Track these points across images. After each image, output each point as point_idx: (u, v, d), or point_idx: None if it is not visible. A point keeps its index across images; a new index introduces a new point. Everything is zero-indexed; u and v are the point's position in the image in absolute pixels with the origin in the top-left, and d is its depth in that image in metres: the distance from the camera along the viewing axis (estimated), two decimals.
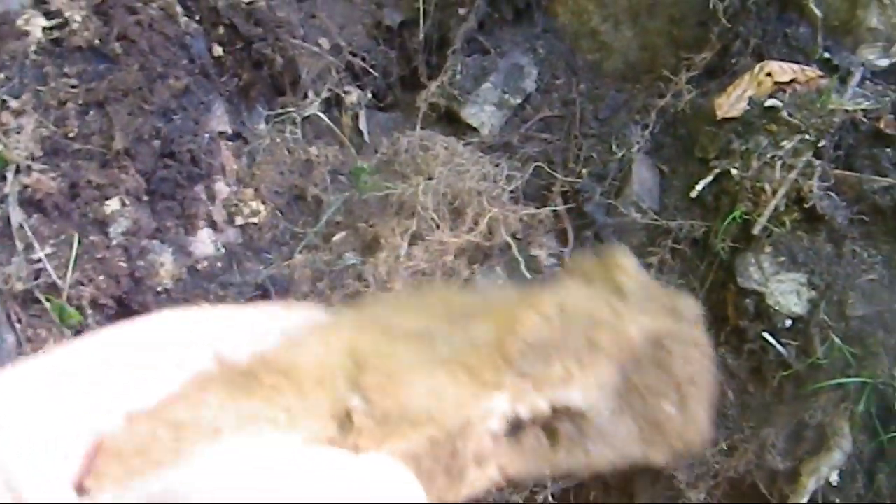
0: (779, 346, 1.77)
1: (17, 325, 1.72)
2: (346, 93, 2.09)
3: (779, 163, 1.77)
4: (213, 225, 1.88)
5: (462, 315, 0.47)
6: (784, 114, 1.80)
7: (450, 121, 2.09)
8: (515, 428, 0.43)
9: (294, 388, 0.41)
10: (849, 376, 1.71)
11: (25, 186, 1.73)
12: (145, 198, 1.82)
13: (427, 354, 0.45)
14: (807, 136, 1.78)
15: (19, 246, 1.72)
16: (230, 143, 1.97)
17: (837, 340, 1.72)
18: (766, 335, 1.77)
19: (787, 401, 1.79)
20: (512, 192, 1.89)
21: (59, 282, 1.72)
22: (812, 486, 1.72)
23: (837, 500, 1.76)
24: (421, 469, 0.40)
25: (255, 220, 1.90)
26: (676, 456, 0.44)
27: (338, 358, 0.43)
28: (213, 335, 0.43)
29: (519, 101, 2.08)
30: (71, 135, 1.77)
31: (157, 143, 1.82)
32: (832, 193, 1.75)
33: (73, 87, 1.78)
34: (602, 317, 0.46)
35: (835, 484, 1.75)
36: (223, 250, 1.87)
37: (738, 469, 1.79)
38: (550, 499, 1.97)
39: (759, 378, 1.82)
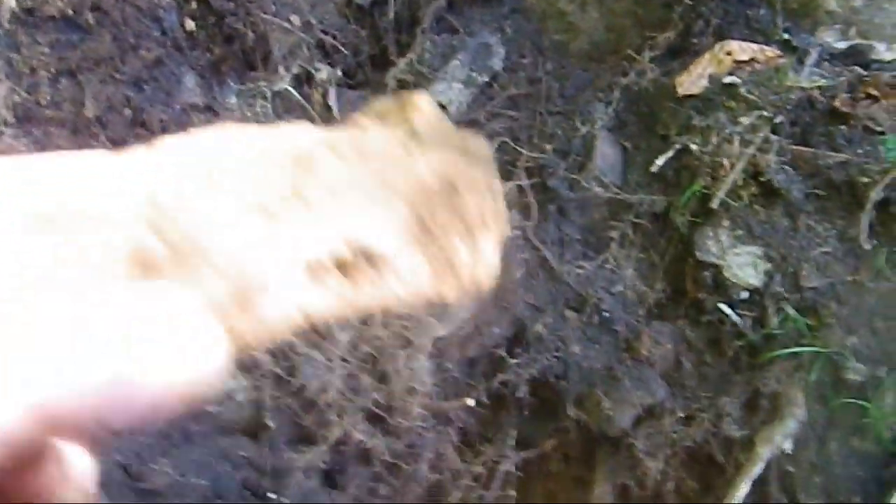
0: (735, 318, 1.81)
1: None
2: (316, 70, 2.12)
3: (737, 138, 1.81)
4: None
5: (267, 156, 0.47)
6: (743, 91, 1.84)
7: None
8: (314, 271, 0.43)
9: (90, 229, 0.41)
10: (803, 346, 1.75)
11: None
12: None
13: (233, 198, 0.45)
14: (764, 113, 1.82)
15: None
16: (201, 115, 2.00)
17: (792, 311, 1.76)
18: (722, 307, 1.81)
19: (742, 371, 1.83)
20: None
21: None
22: (767, 455, 1.76)
23: (791, 468, 1.80)
24: (212, 302, 0.41)
25: None
26: (466, 294, 0.45)
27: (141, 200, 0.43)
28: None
29: (486, 79, 2.11)
30: (43, 102, 1.79)
31: (128, 112, 1.84)
32: (788, 168, 1.80)
33: (45, 55, 1.80)
34: (396, 156, 0.47)
35: (789, 452, 1.79)
36: None
37: (695, 438, 1.82)
38: (513, 469, 2.00)
39: (717, 349, 1.86)
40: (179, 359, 0.36)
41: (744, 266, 1.81)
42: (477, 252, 0.45)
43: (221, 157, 0.46)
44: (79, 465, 0.45)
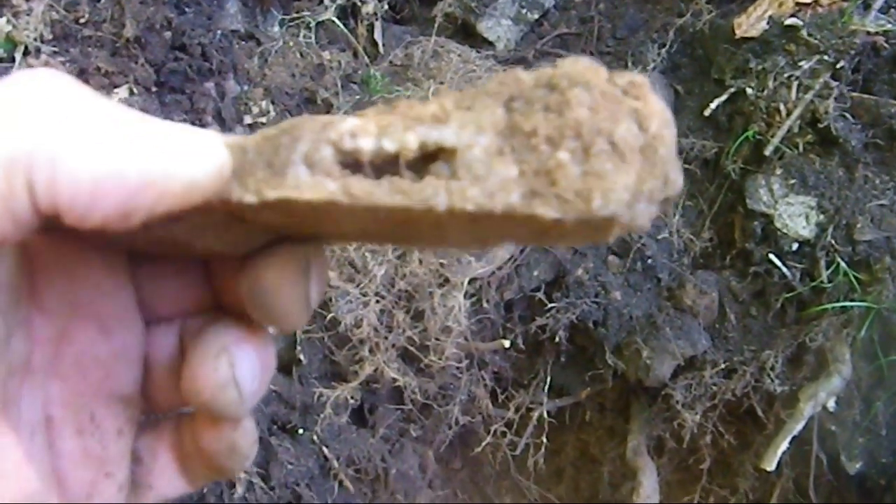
0: (784, 269, 1.75)
1: None
2: (362, 2, 2.07)
3: (795, 83, 1.74)
4: (221, 122, 1.87)
5: None
6: (804, 34, 1.76)
7: (465, 34, 2.06)
8: (384, 166, 0.42)
9: None
10: (853, 301, 1.69)
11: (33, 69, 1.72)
12: (154, 89, 1.80)
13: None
14: (825, 58, 1.74)
15: None
16: (242, 42, 1.95)
17: (843, 265, 1.70)
18: (772, 257, 1.75)
19: (788, 325, 1.78)
20: None
21: None
22: (809, 412, 1.71)
23: (833, 427, 1.75)
24: (245, 159, 0.42)
25: (263, 119, 1.89)
26: (571, 212, 0.40)
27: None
28: None
29: (536, 16, 2.05)
30: (81, 20, 1.76)
31: (168, 34, 1.80)
32: (848, 116, 1.73)
33: None
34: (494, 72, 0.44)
35: (832, 410, 1.74)
36: None
37: (735, 392, 1.77)
38: (547, 416, 1.96)
39: (762, 301, 1.81)
40: (176, 158, 0.39)
41: (795, 216, 1.74)
42: (588, 167, 0.40)
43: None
44: (245, 368, 0.51)
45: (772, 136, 1.74)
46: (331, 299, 1.74)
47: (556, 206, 0.40)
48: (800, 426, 1.72)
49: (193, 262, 0.54)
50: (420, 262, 1.76)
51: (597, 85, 0.40)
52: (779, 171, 1.75)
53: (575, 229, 0.41)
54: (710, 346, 1.81)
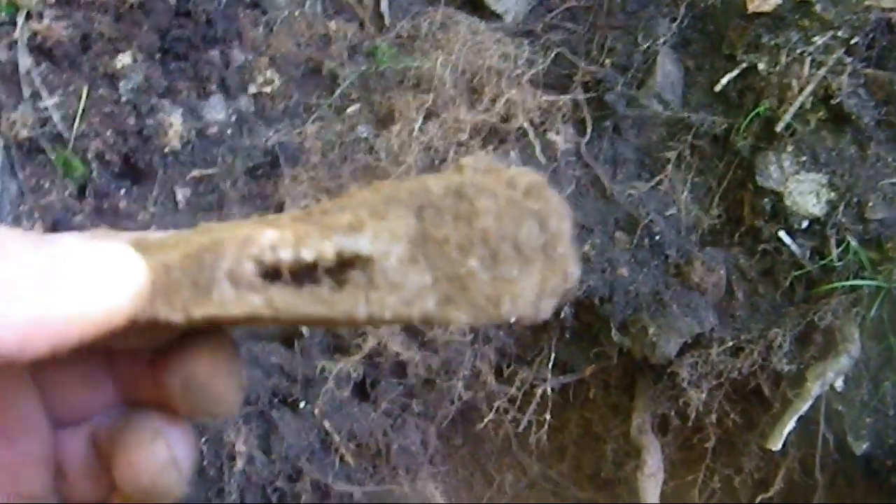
0: (793, 246, 1.73)
1: (21, 174, 1.70)
2: None
3: (808, 59, 1.71)
4: (225, 90, 1.84)
5: None
6: (818, 9, 1.74)
7: (473, 7, 2.03)
8: (303, 273, 0.44)
9: None
10: (863, 280, 1.67)
11: (35, 33, 1.69)
12: (158, 56, 1.78)
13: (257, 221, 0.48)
14: (839, 34, 1.72)
15: (26, 93, 1.69)
16: (248, 10, 1.93)
17: (854, 243, 1.68)
18: (782, 235, 1.73)
19: (797, 303, 1.76)
20: (532, 76, 1.84)
21: (65, 133, 1.69)
22: (816, 391, 1.70)
23: (840, 407, 1.74)
24: (169, 278, 0.44)
25: (268, 89, 1.86)
26: (483, 317, 0.43)
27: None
28: None
29: None
30: None
31: (173, 0, 1.78)
32: (861, 93, 1.70)
33: None
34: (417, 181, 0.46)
35: (839, 390, 1.73)
36: (234, 117, 1.83)
37: (742, 370, 1.76)
38: (549, 392, 1.95)
39: (771, 279, 1.79)
40: (91, 290, 0.40)
41: (806, 194, 1.72)
42: (496, 272, 0.43)
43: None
44: (180, 448, 0.52)
45: (783, 113, 1.72)
46: None
47: (469, 311, 0.43)
48: (806, 406, 1.70)
49: (96, 361, 0.54)
50: None
51: (500, 192, 0.44)
52: (790, 148, 1.73)
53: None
54: (716, 324, 1.79)
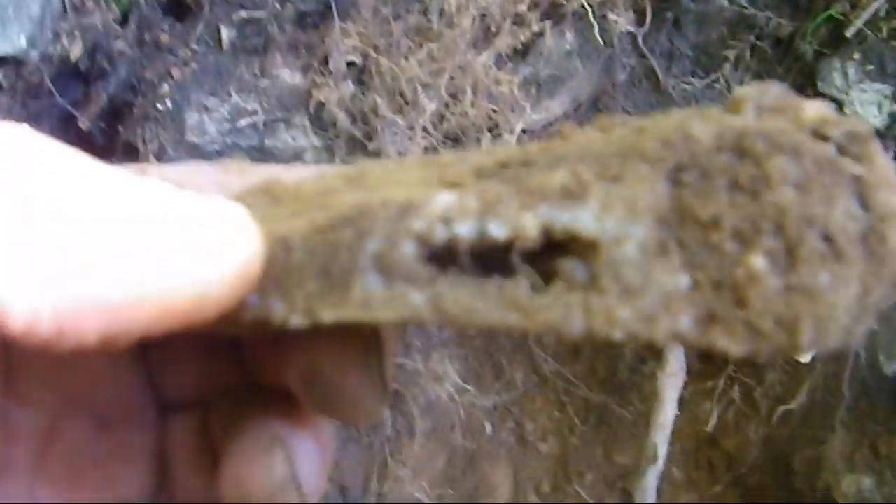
0: None
1: None
2: None
3: None
4: None
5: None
6: None
7: None
8: (488, 258, 0.30)
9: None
10: None
11: None
12: None
13: (424, 175, 0.34)
14: None
15: None
16: None
17: None
18: None
19: None
20: None
21: None
22: None
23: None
24: (289, 261, 0.31)
25: None
26: (767, 349, 0.28)
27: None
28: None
29: None
30: None
31: None
32: None
33: None
34: (672, 123, 0.31)
35: None
36: None
37: None
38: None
39: None
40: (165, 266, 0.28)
41: (868, 104, 1.67)
42: (794, 279, 0.28)
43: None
44: (305, 462, 0.40)
45: (855, 18, 1.67)
46: (376, 129, 1.67)
47: (746, 339, 0.29)
48: None
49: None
50: (472, 104, 1.69)
51: (804, 148, 0.29)
52: (857, 56, 1.68)
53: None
54: None
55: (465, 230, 0.30)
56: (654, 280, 0.29)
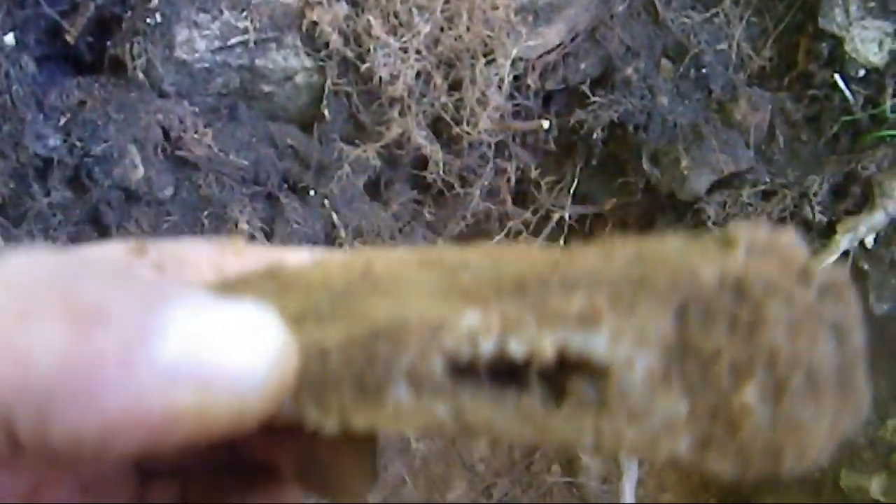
0: (847, 91, 1.67)
1: None
2: None
3: None
4: None
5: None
6: None
7: None
8: (507, 374, 0.32)
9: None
10: None
11: None
12: None
13: (438, 282, 0.36)
14: None
15: None
16: None
17: None
18: (836, 77, 1.67)
19: (840, 152, 1.71)
20: None
21: None
22: (845, 245, 1.64)
23: (867, 266, 1.69)
24: (325, 368, 0.32)
25: None
26: (754, 471, 0.31)
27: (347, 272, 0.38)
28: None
29: None
30: None
31: None
32: None
33: None
34: (674, 256, 0.33)
35: (869, 247, 1.67)
36: None
37: (772, 215, 1.70)
38: (566, 221, 1.89)
39: (815, 126, 1.73)
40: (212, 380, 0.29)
41: (868, 42, 1.65)
42: (780, 413, 0.31)
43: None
44: None
45: None
46: (369, 50, 1.64)
47: (736, 462, 0.31)
48: (832, 258, 1.65)
49: None
50: (468, 28, 1.66)
51: (794, 292, 0.31)
52: None
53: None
54: (752, 165, 1.73)
55: (487, 347, 0.32)
56: (658, 405, 0.31)
